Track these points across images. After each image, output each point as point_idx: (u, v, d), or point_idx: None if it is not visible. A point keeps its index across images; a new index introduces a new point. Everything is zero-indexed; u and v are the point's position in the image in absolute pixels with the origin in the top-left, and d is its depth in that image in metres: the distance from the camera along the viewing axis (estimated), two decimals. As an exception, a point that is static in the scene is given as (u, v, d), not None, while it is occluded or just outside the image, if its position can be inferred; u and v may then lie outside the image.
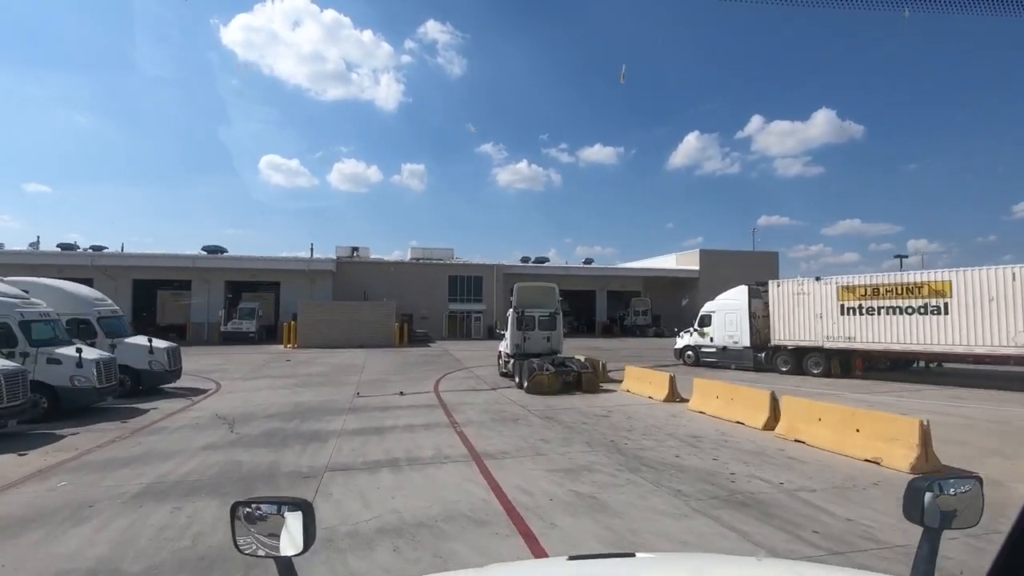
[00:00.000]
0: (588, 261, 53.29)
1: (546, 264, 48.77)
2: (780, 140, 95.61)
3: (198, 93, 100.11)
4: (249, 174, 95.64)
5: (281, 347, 31.40)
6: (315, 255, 40.44)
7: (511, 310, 16.80)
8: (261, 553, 1.30)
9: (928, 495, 1.33)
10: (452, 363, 22.95)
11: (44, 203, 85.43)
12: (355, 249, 43.88)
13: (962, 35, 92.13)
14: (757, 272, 37.78)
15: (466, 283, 43.61)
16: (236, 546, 1.32)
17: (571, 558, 1.65)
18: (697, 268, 48.68)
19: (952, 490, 1.36)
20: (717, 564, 1.84)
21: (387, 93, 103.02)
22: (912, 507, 1.34)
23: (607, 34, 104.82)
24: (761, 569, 1.72)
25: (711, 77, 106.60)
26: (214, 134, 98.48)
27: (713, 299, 22.31)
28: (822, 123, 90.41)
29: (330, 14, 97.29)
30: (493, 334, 42.30)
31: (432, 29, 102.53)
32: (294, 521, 1.28)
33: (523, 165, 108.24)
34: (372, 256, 44.98)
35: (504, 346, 17.62)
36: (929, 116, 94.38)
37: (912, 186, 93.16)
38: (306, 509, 1.30)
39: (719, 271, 41.92)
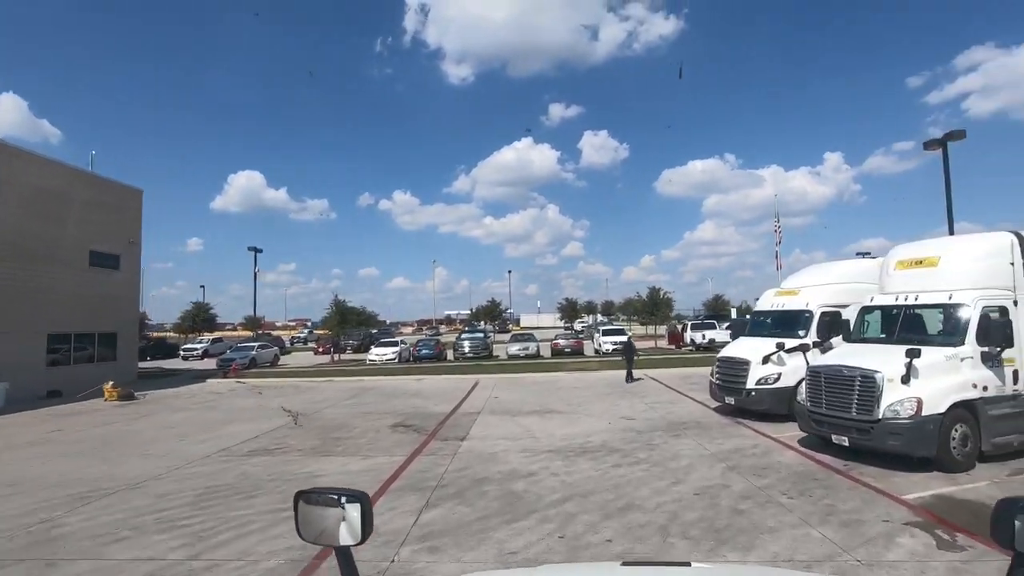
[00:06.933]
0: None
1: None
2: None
3: None
4: None
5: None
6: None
7: None
8: (322, 541, 1.29)
9: (1021, 517, 1.13)
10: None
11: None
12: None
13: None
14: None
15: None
16: (299, 533, 1.31)
17: (624, 563, 1.52)
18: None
19: None
20: None
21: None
22: (1002, 531, 1.15)
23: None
24: None
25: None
26: None
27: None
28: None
29: None
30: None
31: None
32: (353, 512, 1.27)
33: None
34: None
35: None
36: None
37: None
38: (364, 501, 1.29)
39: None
